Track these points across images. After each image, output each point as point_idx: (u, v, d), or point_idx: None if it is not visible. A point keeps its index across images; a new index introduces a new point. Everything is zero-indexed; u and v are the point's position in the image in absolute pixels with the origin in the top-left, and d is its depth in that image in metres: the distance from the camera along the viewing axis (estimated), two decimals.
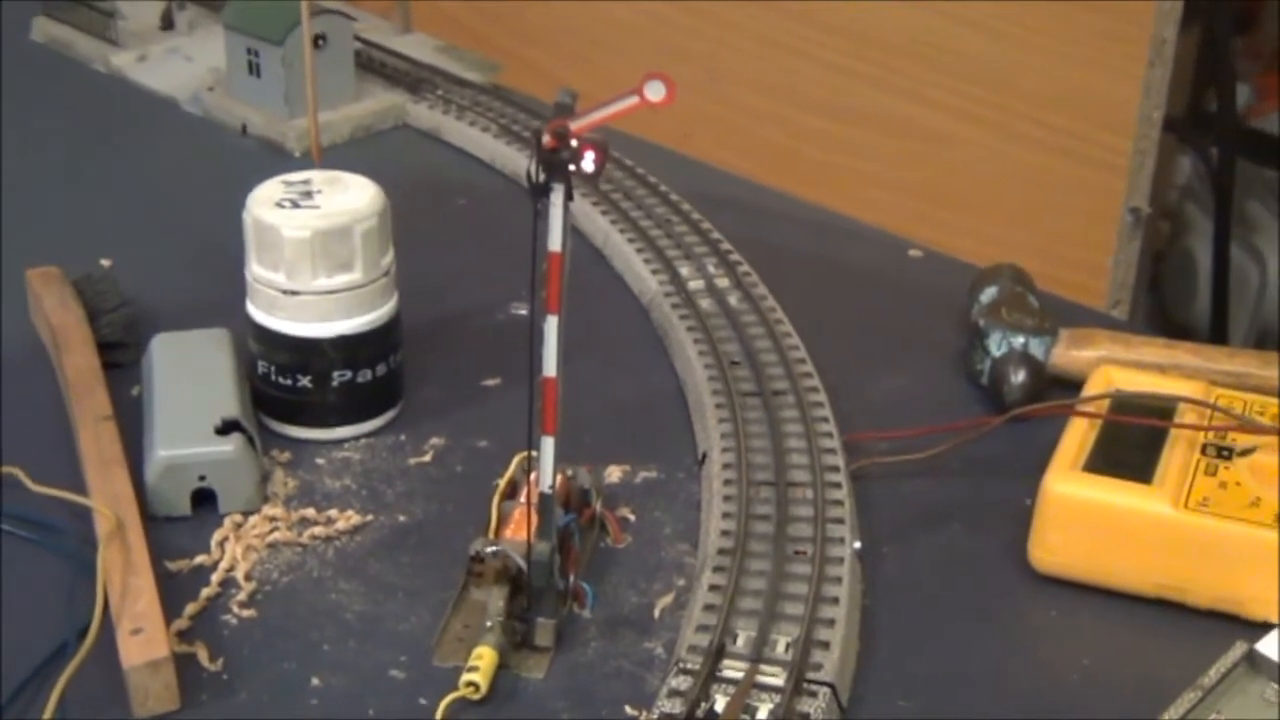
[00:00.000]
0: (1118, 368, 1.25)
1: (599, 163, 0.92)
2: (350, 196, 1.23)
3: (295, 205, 1.21)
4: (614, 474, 1.23)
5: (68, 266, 1.44)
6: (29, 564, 1.12)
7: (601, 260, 1.54)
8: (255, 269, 1.23)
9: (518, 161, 1.68)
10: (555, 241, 0.96)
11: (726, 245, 1.51)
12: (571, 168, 0.93)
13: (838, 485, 1.18)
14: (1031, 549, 1.13)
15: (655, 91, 0.90)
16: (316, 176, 1.25)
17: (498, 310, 1.45)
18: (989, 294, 1.39)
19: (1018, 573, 1.14)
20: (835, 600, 1.07)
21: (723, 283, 1.45)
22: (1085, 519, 1.11)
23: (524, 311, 1.43)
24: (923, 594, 1.13)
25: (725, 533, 1.13)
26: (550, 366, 1.00)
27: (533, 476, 1.04)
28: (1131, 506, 1.10)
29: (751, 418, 1.26)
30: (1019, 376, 1.30)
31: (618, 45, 1.85)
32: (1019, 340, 1.32)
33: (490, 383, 1.35)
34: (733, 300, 1.42)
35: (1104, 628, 1.10)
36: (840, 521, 1.14)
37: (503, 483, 1.14)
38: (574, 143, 0.91)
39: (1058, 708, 1.03)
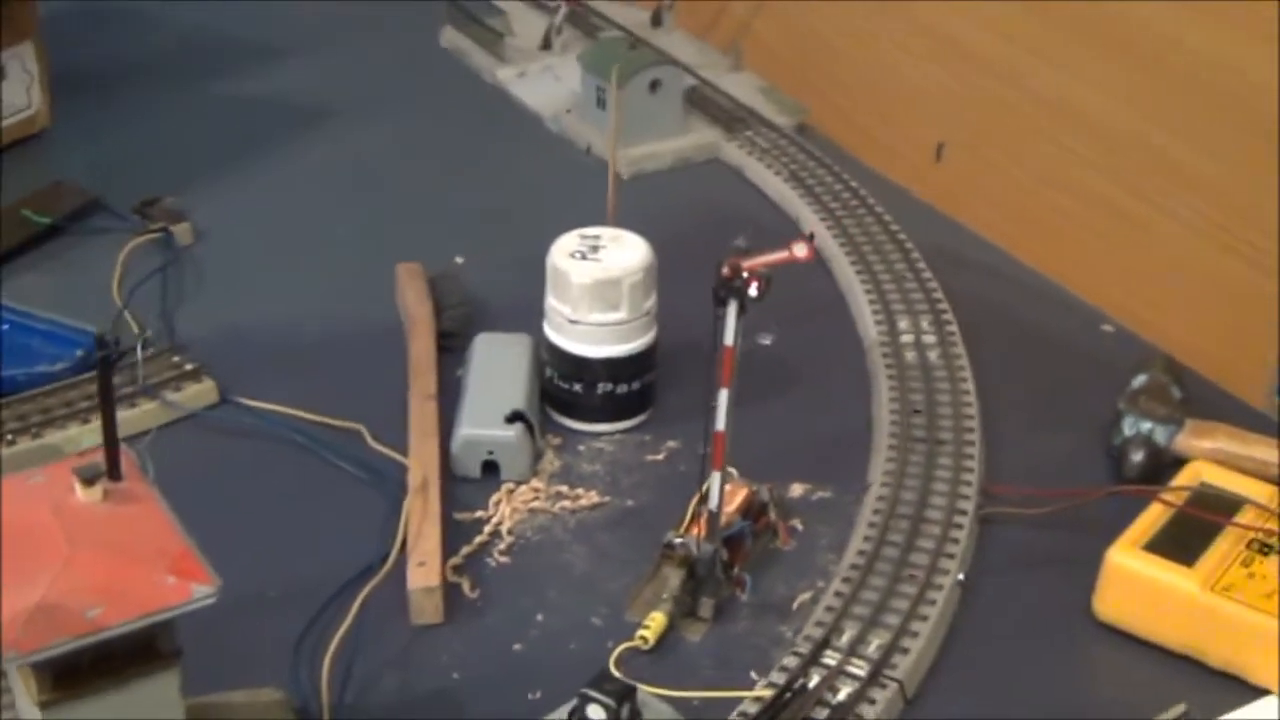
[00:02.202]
0: (1210, 463, 1.53)
1: (761, 290, 1.28)
2: (626, 254, 1.60)
3: (584, 257, 1.60)
4: (796, 490, 1.58)
5: (428, 259, 1.86)
6: (357, 500, 1.54)
7: (841, 303, 1.86)
8: (550, 300, 1.62)
9: (799, 207, 2.01)
10: (728, 339, 1.31)
11: (943, 304, 1.80)
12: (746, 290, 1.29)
13: (960, 526, 1.50)
14: (1095, 602, 1.43)
15: (800, 250, 1.26)
16: (605, 234, 1.63)
17: (745, 339, 1.81)
18: (1139, 380, 1.66)
19: (1084, 618, 1.43)
20: (925, 618, 1.40)
21: (929, 339, 1.75)
22: (1134, 587, 1.40)
23: (767, 342, 1.79)
24: (1004, 623, 1.43)
25: (861, 551, 1.47)
26: (720, 424, 1.36)
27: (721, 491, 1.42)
28: (1168, 584, 1.37)
29: (914, 460, 1.58)
30: (1137, 457, 1.58)
31: (915, 104, 2.12)
32: (1146, 426, 1.59)
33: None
34: (932, 355, 1.73)
35: (1138, 669, 1.39)
36: (952, 556, 1.47)
37: (700, 491, 1.51)
38: (745, 274, 1.28)
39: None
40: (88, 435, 1.56)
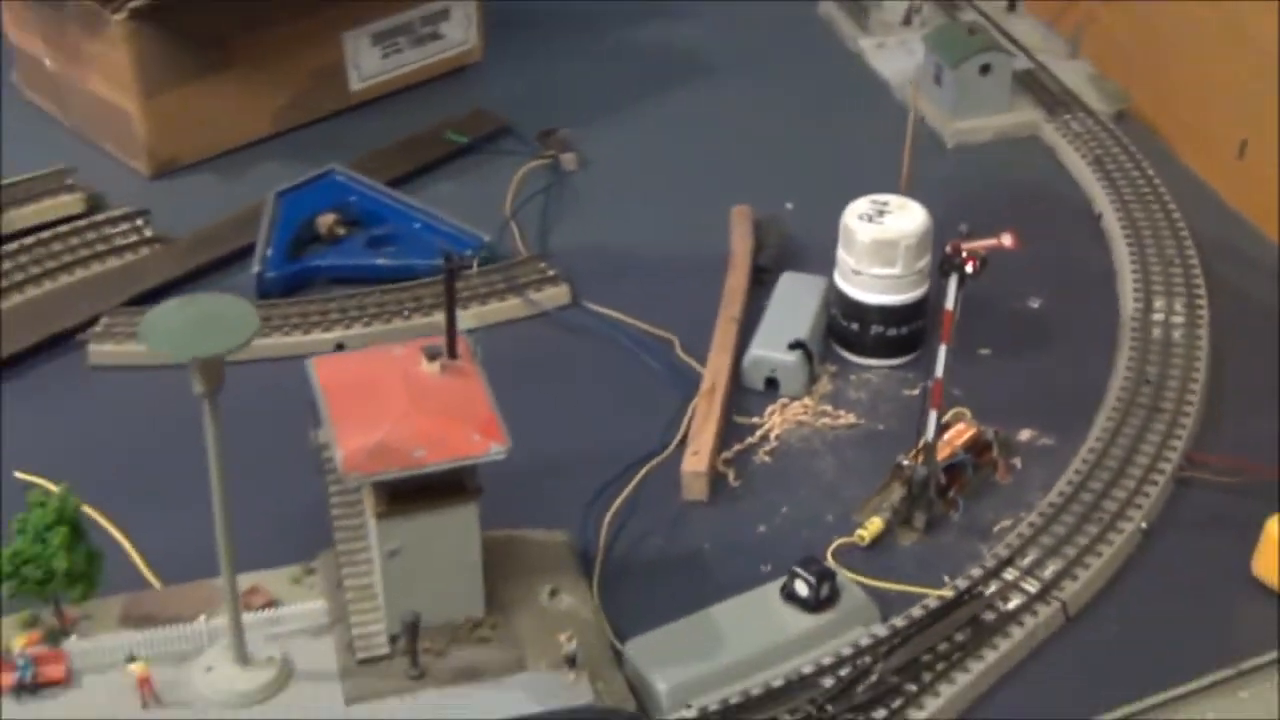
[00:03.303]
0: None
1: (976, 268, 1.50)
2: (906, 220, 1.81)
3: (870, 219, 1.82)
4: (1024, 435, 1.77)
5: (762, 202, 2.10)
6: (659, 395, 1.81)
7: (1111, 279, 2.01)
8: (840, 252, 1.86)
9: (1095, 189, 2.15)
10: (949, 304, 1.53)
11: (1199, 291, 1.94)
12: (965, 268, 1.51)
13: (1155, 483, 1.68)
14: (1253, 562, 1.60)
15: (1006, 239, 1.48)
16: (894, 201, 1.84)
17: (1013, 299, 1.98)
18: None
19: (1243, 575, 1.59)
20: (1100, 554, 1.60)
21: (1177, 319, 1.90)
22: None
23: (1036, 305, 1.98)
24: (1172, 569, 1.61)
25: (1062, 493, 1.67)
26: (939, 372, 1.58)
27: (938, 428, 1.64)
28: None
29: (1131, 422, 1.76)
30: None
31: (1227, 101, 2.20)
32: None
33: (983, 351, 1.89)
34: (1176, 334, 1.88)
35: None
36: (1140, 507, 1.65)
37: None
38: (964, 254, 1.50)
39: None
40: (465, 319, 1.89)
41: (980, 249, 1.51)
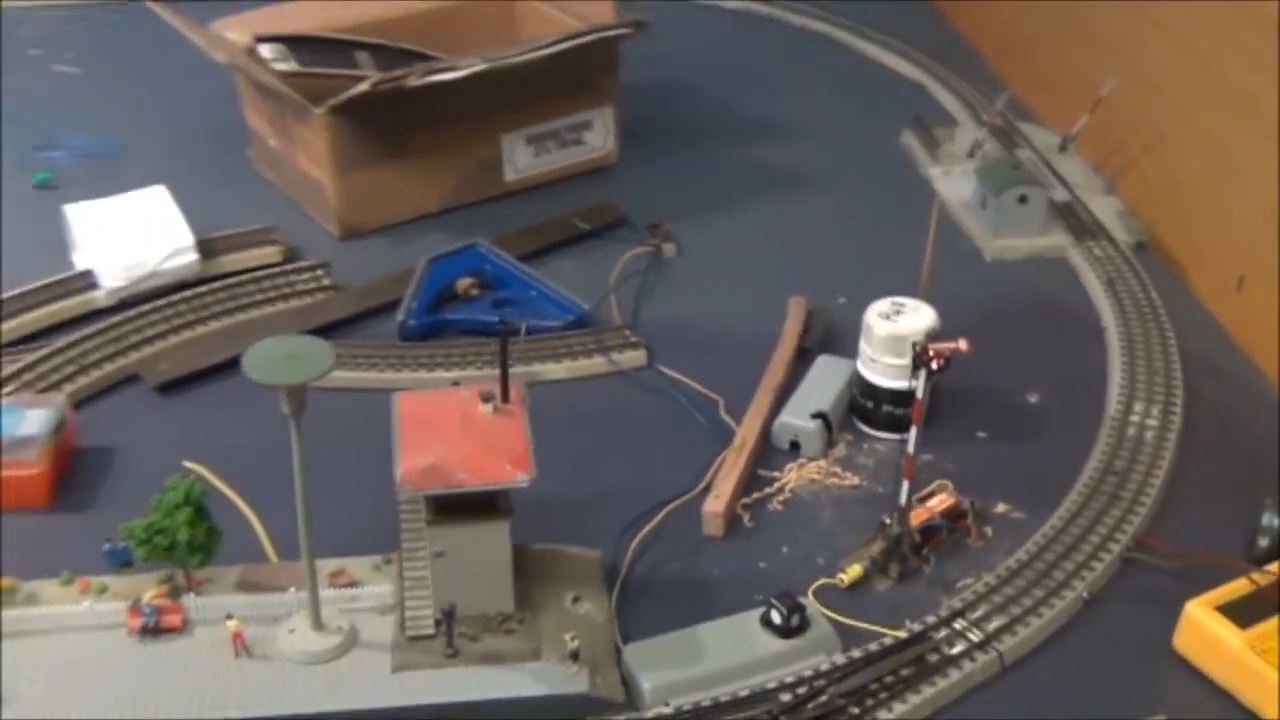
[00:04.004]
0: None
1: (940, 365, 1.48)
2: (917, 319, 1.79)
3: (887, 317, 1.81)
4: (1000, 507, 1.73)
5: (817, 295, 2.09)
6: (698, 446, 1.80)
7: (1103, 384, 1.94)
8: (862, 343, 1.84)
9: (1104, 306, 2.09)
10: (919, 393, 1.51)
11: (1176, 400, 1.87)
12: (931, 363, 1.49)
13: (1102, 560, 1.62)
14: (1175, 639, 1.53)
15: (962, 344, 1.45)
16: (909, 303, 1.83)
17: (1015, 393, 1.93)
18: None
19: (1165, 648, 1.53)
20: (1041, 615, 1.54)
21: (1152, 423, 1.83)
22: (1198, 633, 1.50)
23: (1034, 400, 1.93)
24: (1105, 635, 1.55)
25: (1019, 560, 1.62)
26: (910, 449, 1.56)
27: (910, 494, 1.62)
28: (1220, 637, 1.47)
29: (1093, 505, 1.70)
30: (1262, 543, 1.62)
31: (1232, 238, 2.10)
32: (1277, 522, 1.65)
33: (980, 434, 1.86)
34: (1149, 435, 1.81)
35: (1188, 695, 1.49)
36: (1084, 579, 1.60)
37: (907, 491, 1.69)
38: (930, 353, 1.48)
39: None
40: (551, 370, 1.94)
41: (945, 350, 1.49)
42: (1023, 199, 2.25)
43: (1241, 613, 1.49)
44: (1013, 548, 1.67)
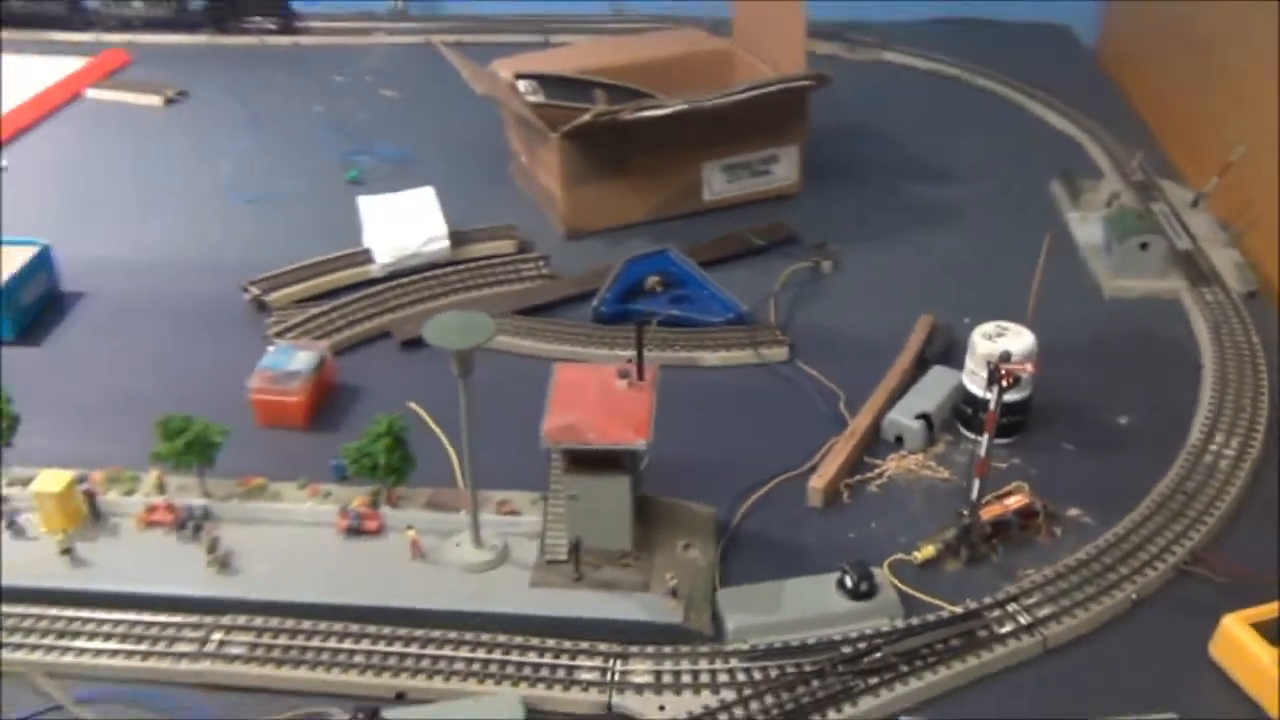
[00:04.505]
0: None
1: (1009, 383, 1.38)
2: (1017, 342, 1.67)
3: (990, 338, 1.70)
4: (1072, 511, 1.60)
5: (946, 313, 1.96)
6: (816, 431, 1.72)
7: (1190, 416, 1.76)
8: (967, 358, 1.74)
9: (1206, 348, 1.90)
10: (991, 405, 1.41)
11: (1256, 436, 1.69)
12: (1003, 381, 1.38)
13: (1156, 568, 1.48)
14: (1210, 647, 1.39)
15: (1029, 367, 1.34)
16: (1013, 327, 1.71)
17: (1107, 414, 1.78)
18: None
19: (1203, 655, 1.39)
20: (1089, 609, 1.42)
21: (1229, 452, 1.66)
22: (1232, 645, 1.35)
23: (1124, 421, 1.78)
24: (1148, 634, 1.42)
25: (1079, 559, 1.50)
26: (982, 452, 1.45)
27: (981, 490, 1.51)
28: (1252, 651, 1.32)
29: (1157, 519, 1.56)
30: None
31: None
32: None
33: (1067, 446, 1.72)
34: (1223, 464, 1.64)
35: (1219, 699, 1.35)
36: (1136, 583, 1.47)
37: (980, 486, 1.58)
38: (1003, 372, 1.37)
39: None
40: (707, 358, 1.90)
41: (1015, 370, 1.39)
42: (1144, 245, 2.07)
43: (1277, 632, 1.34)
44: (1076, 548, 1.54)
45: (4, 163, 2.59)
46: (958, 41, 3.08)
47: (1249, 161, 2.19)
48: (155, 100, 2.93)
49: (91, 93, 2.98)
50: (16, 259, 2.02)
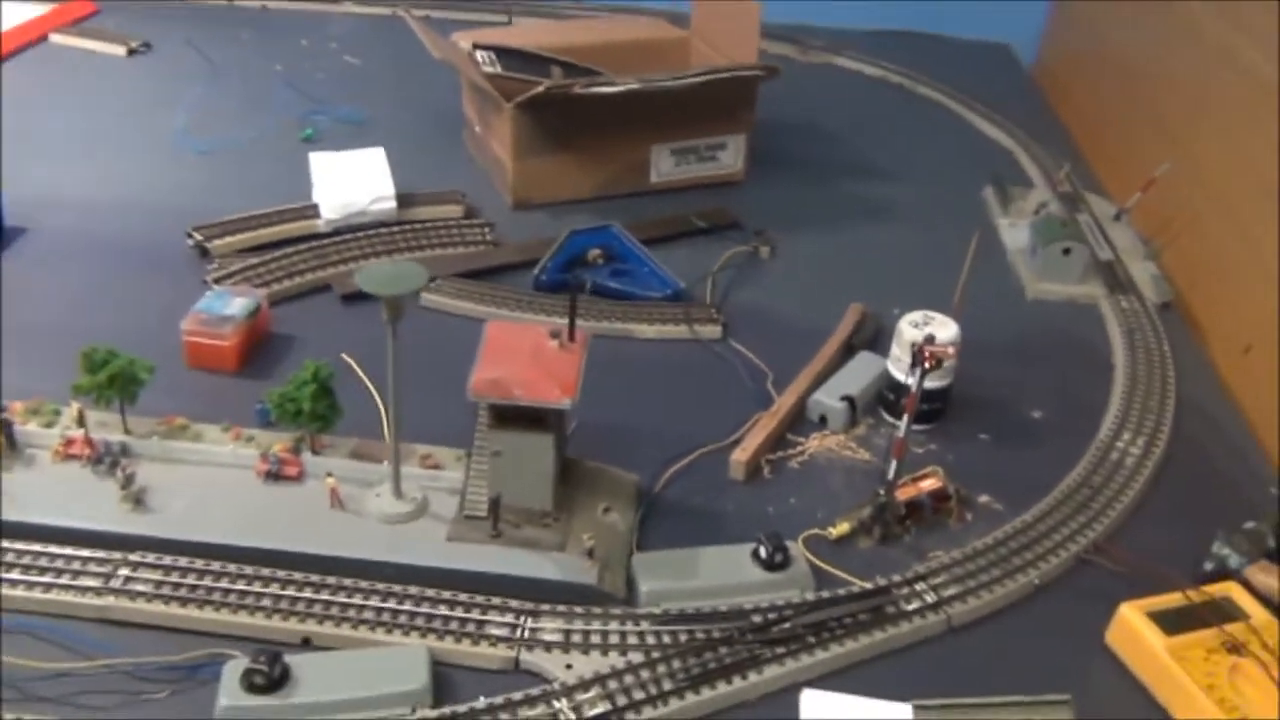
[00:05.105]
0: (1243, 589, 1.36)
1: (931, 365, 1.33)
2: (942, 330, 1.62)
3: (916, 326, 1.65)
4: (983, 498, 1.56)
5: (876, 303, 1.91)
6: (742, 406, 1.66)
7: (1101, 414, 1.73)
8: (893, 344, 1.69)
9: (1119, 353, 1.86)
10: (913, 388, 1.36)
11: (1162, 433, 1.66)
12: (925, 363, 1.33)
13: (1058, 555, 1.44)
14: (1107, 634, 1.35)
15: (950, 350, 1.28)
16: (939, 318, 1.66)
17: (1023, 408, 1.74)
18: (1250, 524, 1.47)
19: (1098, 641, 1.35)
20: (993, 591, 1.38)
21: (1134, 450, 1.63)
22: (1127, 632, 1.31)
23: (1037, 416, 1.74)
24: (1046, 618, 1.38)
25: (987, 543, 1.46)
26: (900, 433, 1.40)
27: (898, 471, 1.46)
28: (1146, 639, 1.28)
29: (1064, 509, 1.52)
30: (1207, 567, 1.42)
31: (1243, 309, 1.84)
32: (1226, 551, 1.43)
33: (983, 436, 1.68)
34: (1129, 461, 1.61)
35: (1107, 684, 1.31)
36: (1039, 569, 1.42)
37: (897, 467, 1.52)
38: (927, 353, 1.32)
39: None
40: (643, 330, 1.84)
41: (939, 353, 1.34)
42: (1066, 251, 2.04)
43: (1170, 621, 1.31)
44: (985, 533, 1.50)
45: None
46: (905, 53, 3.04)
47: (1169, 184, 2.17)
48: (119, 50, 2.80)
49: (55, 38, 2.84)
50: None
